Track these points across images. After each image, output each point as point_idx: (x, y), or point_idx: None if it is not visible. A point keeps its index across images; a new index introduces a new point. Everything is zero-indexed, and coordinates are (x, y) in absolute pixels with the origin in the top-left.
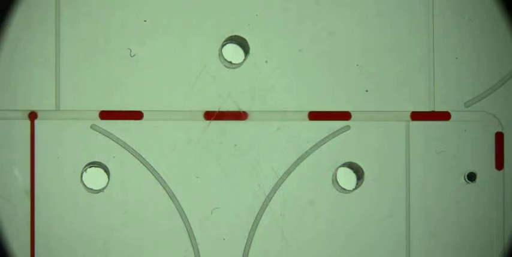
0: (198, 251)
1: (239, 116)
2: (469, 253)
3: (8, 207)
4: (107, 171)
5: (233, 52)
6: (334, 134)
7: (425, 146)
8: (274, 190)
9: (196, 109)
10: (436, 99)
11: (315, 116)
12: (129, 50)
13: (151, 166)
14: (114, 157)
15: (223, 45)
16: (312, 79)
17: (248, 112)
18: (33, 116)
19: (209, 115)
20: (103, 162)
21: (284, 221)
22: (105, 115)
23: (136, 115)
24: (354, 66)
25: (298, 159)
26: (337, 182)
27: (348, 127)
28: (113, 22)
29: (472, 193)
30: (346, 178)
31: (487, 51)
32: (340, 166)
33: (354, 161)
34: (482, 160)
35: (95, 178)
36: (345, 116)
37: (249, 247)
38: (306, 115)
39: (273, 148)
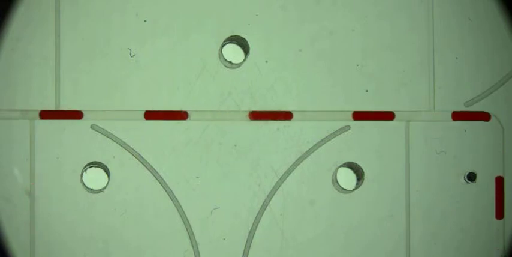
0: (198, 251)
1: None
2: (469, 253)
3: (8, 207)
4: (107, 171)
5: (233, 52)
6: (334, 134)
7: (425, 146)
8: (274, 190)
9: (196, 109)
10: (436, 99)
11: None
12: (129, 50)
13: (151, 166)
14: (114, 157)
15: (223, 45)
16: (312, 79)
17: (249, 112)
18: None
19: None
20: (103, 162)
21: (284, 221)
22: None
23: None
24: (354, 66)
25: (298, 159)
26: (337, 182)
27: (348, 127)
28: (113, 22)
29: (472, 193)
30: (346, 178)
31: (487, 51)
32: (340, 166)
33: (354, 161)
34: (482, 160)
35: (95, 178)
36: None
37: (249, 247)
38: (306, 115)
39: (273, 148)
